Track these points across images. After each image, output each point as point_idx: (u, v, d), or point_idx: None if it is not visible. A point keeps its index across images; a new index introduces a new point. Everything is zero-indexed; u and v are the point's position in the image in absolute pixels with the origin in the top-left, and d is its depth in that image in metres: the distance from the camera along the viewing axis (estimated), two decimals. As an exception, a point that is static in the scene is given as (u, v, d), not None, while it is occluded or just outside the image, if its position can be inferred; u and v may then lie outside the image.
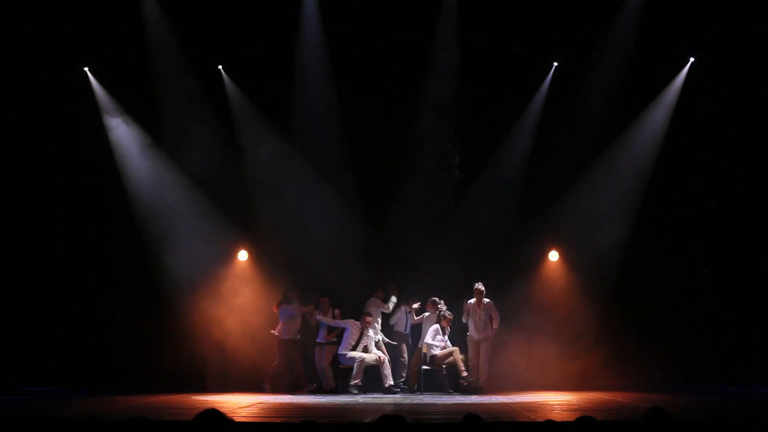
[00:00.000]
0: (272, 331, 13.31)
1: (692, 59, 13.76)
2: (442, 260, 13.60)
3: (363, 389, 12.75)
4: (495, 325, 12.93)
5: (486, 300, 12.99)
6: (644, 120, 14.01)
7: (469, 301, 13.04)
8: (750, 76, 13.62)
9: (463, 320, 13.09)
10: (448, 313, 12.85)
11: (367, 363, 12.75)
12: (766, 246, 13.95)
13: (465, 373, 12.57)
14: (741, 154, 13.93)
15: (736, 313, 13.76)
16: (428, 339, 12.79)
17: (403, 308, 13.44)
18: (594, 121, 13.79)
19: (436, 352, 12.73)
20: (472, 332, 13.00)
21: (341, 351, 12.89)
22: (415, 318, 13.31)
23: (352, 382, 12.65)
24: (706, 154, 13.93)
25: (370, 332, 12.91)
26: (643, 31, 13.42)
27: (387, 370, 12.75)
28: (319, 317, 13.04)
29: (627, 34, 13.51)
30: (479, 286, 12.97)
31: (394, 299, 13.35)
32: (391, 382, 12.71)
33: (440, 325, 12.85)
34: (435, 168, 14.23)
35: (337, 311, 13.25)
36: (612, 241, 13.80)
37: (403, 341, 13.32)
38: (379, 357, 12.77)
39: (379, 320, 13.32)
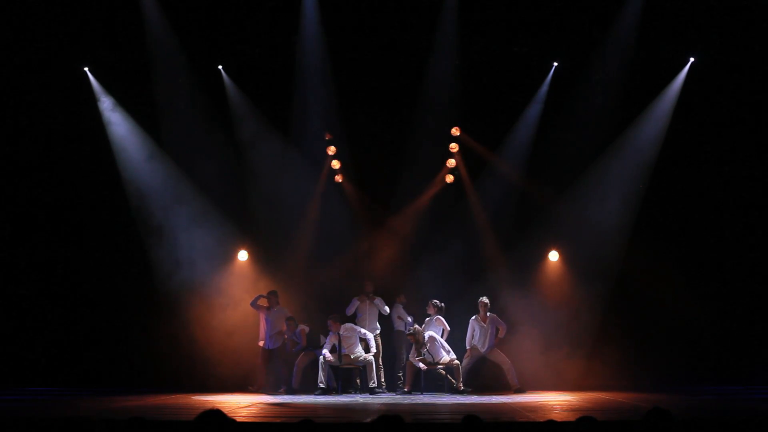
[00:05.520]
0: (260, 343, 13.32)
1: (692, 59, 13.77)
2: (443, 261, 13.63)
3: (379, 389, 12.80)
4: (501, 334, 12.98)
5: (490, 314, 13.02)
6: (644, 120, 14.01)
7: (474, 317, 13.06)
8: (750, 75, 13.63)
9: (467, 339, 13.10)
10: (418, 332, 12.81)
11: (367, 362, 12.74)
12: (765, 245, 13.95)
13: (462, 386, 12.59)
14: (741, 154, 13.93)
15: (737, 312, 13.75)
16: (442, 341, 12.82)
17: (399, 305, 13.47)
18: (594, 121, 13.78)
19: (444, 356, 12.73)
20: (478, 345, 13.03)
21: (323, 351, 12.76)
22: (402, 317, 13.33)
23: (371, 384, 12.65)
24: (706, 154, 13.92)
25: (363, 331, 12.88)
26: (643, 31, 13.42)
27: (373, 371, 12.72)
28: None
29: (627, 33, 13.50)
30: (484, 299, 13.02)
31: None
32: (375, 384, 12.70)
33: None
34: (435, 168, 14.24)
35: (301, 327, 13.11)
36: (612, 241, 13.81)
37: (403, 341, 13.31)
38: (365, 357, 12.77)
39: (376, 320, 13.32)
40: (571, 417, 8.34)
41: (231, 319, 13.77)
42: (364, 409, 10.29)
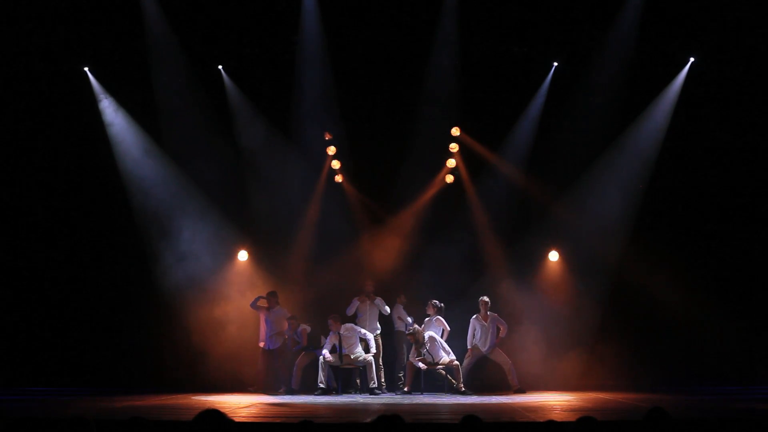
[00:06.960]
0: (260, 344, 13.32)
1: (692, 59, 13.76)
2: (443, 260, 13.62)
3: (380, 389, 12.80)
4: (502, 334, 12.99)
5: (490, 313, 13.03)
6: (644, 120, 14.01)
7: (474, 317, 13.07)
8: (750, 75, 13.62)
9: (468, 338, 13.10)
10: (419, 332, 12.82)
11: (367, 362, 12.74)
12: (765, 245, 13.94)
13: (462, 387, 12.59)
14: (742, 153, 13.92)
15: (737, 312, 13.74)
16: (442, 341, 12.82)
17: (399, 305, 13.47)
18: (594, 121, 13.78)
19: (444, 356, 12.73)
20: (479, 345, 13.04)
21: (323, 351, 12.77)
22: (402, 317, 13.34)
23: (371, 384, 12.65)
24: (706, 153, 13.92)
25: (363, 331, 12.89)
26: (643, 31, 13.42)
27: (373, 371, 12.73)
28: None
29: (627, 34, 13.50)
30: (485, 298, 13.04)
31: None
32: (375, 384, 12.70)
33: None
34: (435, 168, 14.23)
35: (303, 327, 13.13)
36: (612, 240, 13.80)
37: (403, 341, 13.30)
38: (365, 357, 12.78)
39: (376, 320, 13.32)
40: (571, 417, 8.35)
41: (231, 319, 13.76)
42: (364, 409, 10.28)
